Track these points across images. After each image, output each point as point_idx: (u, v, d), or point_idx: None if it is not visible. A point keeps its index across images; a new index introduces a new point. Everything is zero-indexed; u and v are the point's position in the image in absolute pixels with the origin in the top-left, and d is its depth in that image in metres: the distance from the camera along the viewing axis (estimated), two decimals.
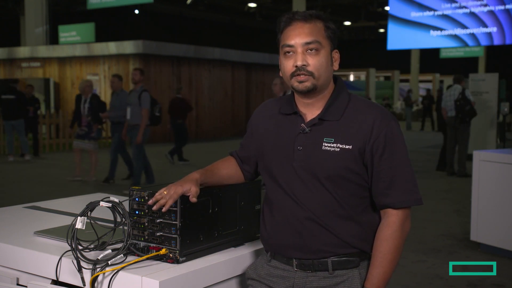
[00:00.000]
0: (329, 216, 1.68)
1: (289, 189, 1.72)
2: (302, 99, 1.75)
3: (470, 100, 9.57)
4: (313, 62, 1.67)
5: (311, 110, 1.75)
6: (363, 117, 1.69)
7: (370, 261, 1.72)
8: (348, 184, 1.68)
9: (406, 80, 32.74)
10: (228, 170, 1.89)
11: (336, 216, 1.68)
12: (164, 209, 1.65)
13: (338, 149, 1.67)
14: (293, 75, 1.69)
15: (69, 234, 1.64)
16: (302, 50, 1.68)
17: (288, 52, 1.70)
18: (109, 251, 1.67)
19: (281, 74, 1.77)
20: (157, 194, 1.68)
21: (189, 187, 1.68)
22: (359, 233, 1.70)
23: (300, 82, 1.68)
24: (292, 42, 1.69)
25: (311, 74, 1.67)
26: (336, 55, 1.75)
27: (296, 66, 1.68)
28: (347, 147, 1.66)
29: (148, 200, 1.72)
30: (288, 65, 1.70)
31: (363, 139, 1.66)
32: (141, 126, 7.96)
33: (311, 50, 1.68)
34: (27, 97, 12.09)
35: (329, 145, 1.68)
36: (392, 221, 1.68)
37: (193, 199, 1.68)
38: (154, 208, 1.67)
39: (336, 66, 1.75)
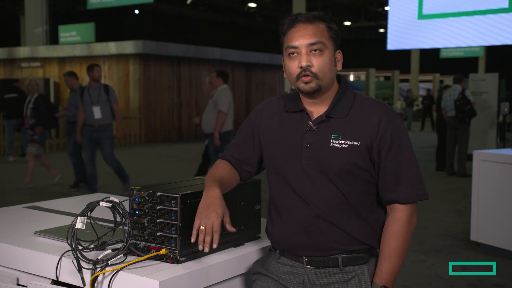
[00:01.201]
0: (337, 213, 1.70)
1: (297, 187, 1.72)
2: (307, 99, 1.77)
3: (470, 100, 9.58)
4: (317, 63, 1.69)
5: (316, 108, 1.76)
6: (369, 114, 1.71)
7: (378, 257, 1.74)
8: (356, 180, 1.71)
9: (406, 80, 32.73)
10: (228, 176, 1.84)
11: (344, 213, 1.70)
12: (214, 246, 1.62)
13: (347, 146, 1.69)
14: (298, 76, 1.71)
15: (69, 234, 1.64)
16: (306, 51, 1.70)
17: (293, 53, 1.72)
18: (109, 251, 1.67)
19: (285, 76, 1.78)
20: (194, 231, 1.62)
21: (222, 213, 1.65)
22: (367, 229, 1.73)
23: (306, 83, 1.70)
24: (296, 43, 1.71)
25: (315, 75, 1.69)
26: (339, 55, 1.78)
27: (301, 67, 1.69)
28: (355, 143, 1.69)
29: (148, 200, 1.72)
30: (293, 66, 1.72)
31: (370, 136, 1.69)
32: (118, 121, 7.51)
33: (315, 51, 1.70)
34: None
35: (337, 142, 1.70)
36: (399, 216, 1.71)
37: (232, 229, 1.66)
38: (206, 250, 1.62)
39: (339, 66, 1.78)
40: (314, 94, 1.73)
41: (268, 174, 1.84)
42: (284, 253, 1.78)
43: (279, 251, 1.79)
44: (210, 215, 1.62)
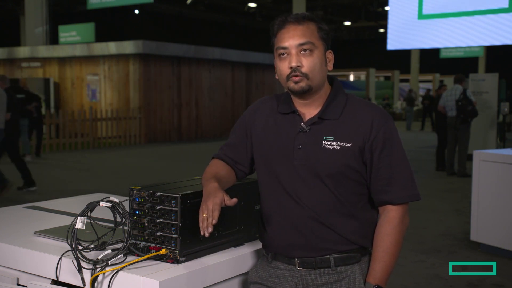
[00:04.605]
0: (330, 214, 1.70)
1: (290, 188, 1.72)
2: (299, 100, 1.76)
3: (472, 100, 9.57)
4: (307, 63, 1.69)
5: (308, 110, 1.76)
6: (362, 116, 1.72)
7: (370, 256, 1.74)
8: (348, 181, 1.71)
9: (406, 80, 32.74)
10: (225, 174, 1.84)
11: (337, 214, 1.70)
12: (214, 222, 1.59)
13: (339, 147, 1.69)
14: (288, 77, 1.71)
15: (69, 234, 1.64)
16: (296, 51, 1.70)
17: (283, 54, 1.72)
18: (109, 251, 1.67)
19: (277, 77, 1.78)
20: (200, 223, 1.61)
21: (221, 196, 1.63)
22: (359, 230, 1.73)
23: (296, 82, 1.70)
24: (286, 44, 1.71)
25: (305, 75, 1.69)
26: (330, 55, 1.77)
27: (291, 67, 1.70)
28: (347, 145, 1.69)
29: (148, 200, 1.72)
30: (283, 67, 1.72)
31: (363, 137, 1.69)
32: None
33: (304, 51, 1.70)
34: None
35: (329, 143, 1.70)
36: (392, 217, 1.71)
37: (233, 200, 1.63)
38: (207, 232, 1.59)
39: (330, 66, 1.77)
40: (304, 94, 1.72)
41: (260, 175, 1.83)
42: (276, 256, 1.78)
43: (271, 254, 1.79)
44: (208, 202, 1.62)
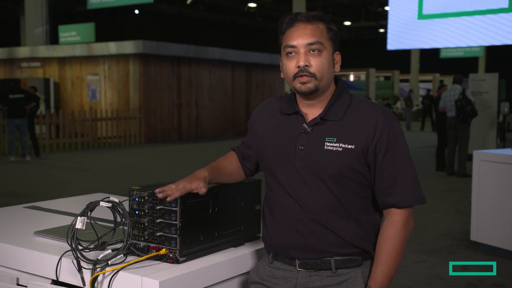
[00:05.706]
0: (331, 216, 1.68)
1: (291, 189, 1.71)
2: (303, 100, 1.75)
3: (471, 100, 9.56)
4: (315, 63, 1.67)
5: (312, 110, 1.75)
6: (366, 117, 1.69)
7: (372, 261, 1.72)
8: (351, 183, 1.68)
9: (406, 80, 32.75)
10: (231, 166, 1.88)
11: (338, 216, 1.68)
12: (168, 199, 1.63)
13: (341, 149, 1.67)
14: (295, 76, 1.69)
15: (69, 234, 1.64)
16: (305, 50, 1.68)
17: (291, 52, 1.70)
18: (109, 251, 1.67)
19: (282, 76, 1.77)
20: (165, 187, 1.66)
21: (198, 185, 1.67)
22: (360, 233, 1.70)
23: (303, 83, 1.68)
24: (294, 42, 1.69)
25: (313, 75, 1.67)
26: (338, 57, 1.76)
27: (299, 67, 1.67)
28: (349, 146, 1.66)
29: (148, 200, 1.72)
30: (290, 66, 1.70)
31: (366, 139, 1.67)
32: None
33: (313, 51, 1.68)
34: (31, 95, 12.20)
35: (331, 144, 1.68)
36: (396, 220, 1.69)
37: (203, 190, 1.67)
38: (160, 195, 1.64)
39: (337, 67, 1.75)
40: (310, 95, 1.71)
41: (264, 175, 1.84)
42: (277, 257, 1.77)
43: (272, 254, 1.78)
44: (182, 182, 1.67)
